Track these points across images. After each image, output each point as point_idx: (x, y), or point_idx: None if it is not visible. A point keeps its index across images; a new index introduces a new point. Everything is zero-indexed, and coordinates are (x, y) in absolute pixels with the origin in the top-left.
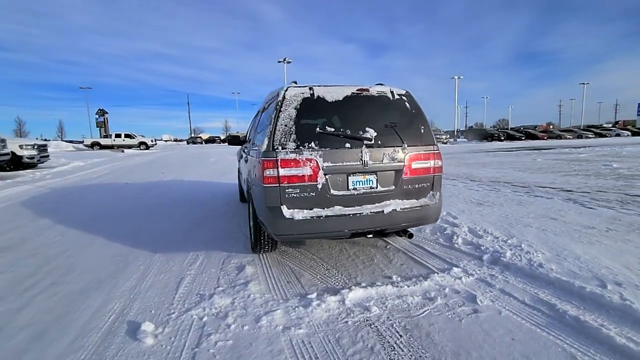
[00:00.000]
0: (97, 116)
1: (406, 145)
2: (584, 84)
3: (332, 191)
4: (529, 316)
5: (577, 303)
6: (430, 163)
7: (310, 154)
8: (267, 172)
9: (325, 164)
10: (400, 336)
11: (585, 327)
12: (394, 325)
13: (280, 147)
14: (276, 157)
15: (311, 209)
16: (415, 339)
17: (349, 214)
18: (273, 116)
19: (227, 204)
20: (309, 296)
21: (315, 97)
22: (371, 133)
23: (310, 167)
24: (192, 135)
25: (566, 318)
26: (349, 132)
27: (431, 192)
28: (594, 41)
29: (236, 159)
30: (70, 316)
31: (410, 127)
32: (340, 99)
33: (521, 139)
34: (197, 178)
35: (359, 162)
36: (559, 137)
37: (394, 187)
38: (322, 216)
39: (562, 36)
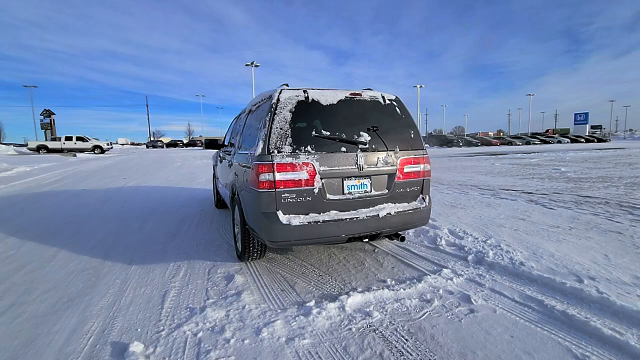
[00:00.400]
0: (42, 117)
1: (398, 150)
2: (530, 95)
3: (328, 195)
4: (521, 313)
5: (560, 298)
6: (420, 167)
7: (307, 158)
8: (263, 177)
9: (322, 168)
10: (406, 340)
11: (574, 320)
12: (398, 329)
13: (276, 151)
14: (272, 161)
15: (307, 214)
16: (421, 342)
17: (346, 219)
18: (267, 119)
19: (201, 210)
20: (307, 304)
21: (309, 100)
22: (365, 137)
23: (307, 172)
24: (152, 138)
25: (555, 313)
26: (344, 136)
27: (421, 195)
28: (536, 57)
29: (203, 164)
30: (41, 340)
31: (400, 131)
32: (335, 102)
33: (477, 145)
34: (164, 184)
35: (354, 166)
36: (510, 143)
37: (387, 191)
38: (319, 221)
39: (509, 51)
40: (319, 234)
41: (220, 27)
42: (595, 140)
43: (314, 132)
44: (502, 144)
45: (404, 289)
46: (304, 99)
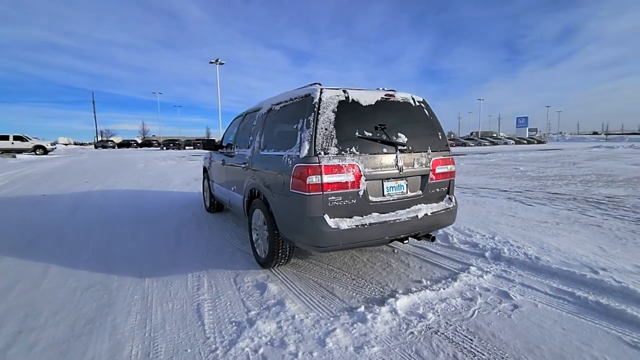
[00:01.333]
0: None
1: (430, 150)
2: (480, 99)
3: (371, 198)
4: (560, 306)
5: (586, 289)
6: (449, 167)
7: (353, 160)
8: (310, 180)
9: (366, 170)
10: (471, 340)
11: (610, 310)
12: (457, 329)
13: (322, 152)
14: (319, 163)
15: (351, 217)
16: (485, 340)
17: (389, 221)
18: (311, 119)
19: (193, 215)
20: (357, 310)
21: (349, 101)
22: (403, 138)
23: (353, 174)
24: (101, 138)
25: (590, 303)
26: (384, 137)
27: (447, 195)
28: (481, 64)
29: (169, 165)
30: None
31: (430, 132)
32: (373, 103)
33: None
34: (134, 187)
35: (394, 168)
36: (463, 144)
37: (420, 192)
38: (365, 224)
39: (457, 58)
40: (366, 237)
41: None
42: (535, 142)
43: (357, 133)
44: (457, 145)
45: (443, 289)
46: (344, 98)
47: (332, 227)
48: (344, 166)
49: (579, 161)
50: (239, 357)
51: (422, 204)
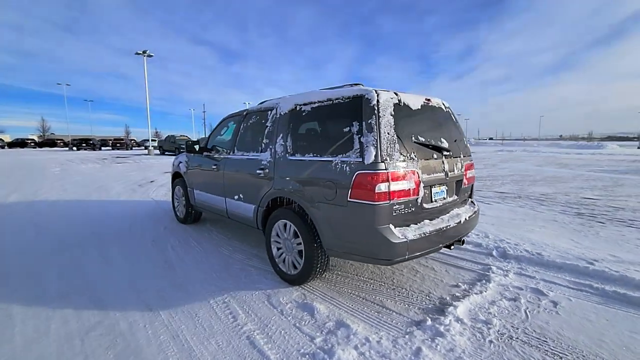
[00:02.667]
0: None
1: (462, 155)
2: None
3: (424, 204)
4: (588, 298)
5: (597, 280)
6: (473, 172)
7: (413, 166)
8: (379, 188)
9: (424, 176)
10: (546, 341)
11: (629, 297)
12: (527, 332)
13: (388, 159)
14: (387, 169)
15: (409, 226)
16: (558, 340)
17: (443, 228)
18: (373, 122)
19: (166, 228)
20: (425, 323)
21: (402, 104)
22: (446, 143)
23: (414, 180)
24: None
25: (609, 293)
26: (433, 142)
27: (470, 199)
28: (400, 74)
29: (94, 169)
30: None
31: (459, 137)
32: (419, 107)
33: None
34: (66, 197)
35: (442, 173)
36: None
37: (456, 196)
38: (427, 233)
39: (380, 66)
40: (427, 246)
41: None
42: None
43: (413, 138)
44: None
45: (484, 291)
46: (397, 102)
47: (400, 237)
48: (407, 173)
49: (495, 163)
50: None
51: (457, 209)
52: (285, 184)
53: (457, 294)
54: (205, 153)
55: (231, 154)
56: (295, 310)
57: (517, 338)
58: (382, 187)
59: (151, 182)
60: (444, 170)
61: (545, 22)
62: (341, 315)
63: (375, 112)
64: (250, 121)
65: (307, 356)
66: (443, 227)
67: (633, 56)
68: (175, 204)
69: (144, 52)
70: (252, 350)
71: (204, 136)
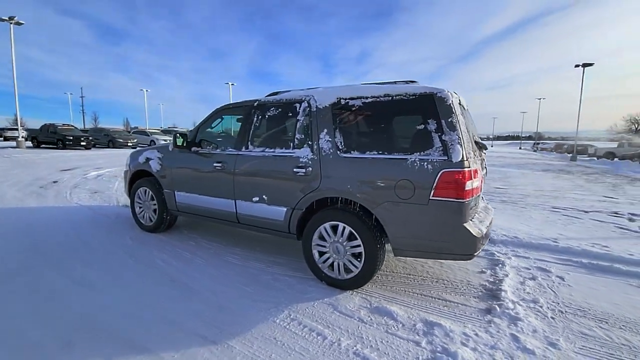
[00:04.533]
0: None
1: (483, 150)
2: None
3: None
4: (576, 270)
5: (568, 255)
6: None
7: (475, 164)
8: (468, 185)
9: (480, 173)
10: (585, 310)
11: (602, 266)
12: (567, 305)
13: (468, 157)
14: (470, 167)
15: (472, 221)
16: (592, 309)
17: (491, 220)
18: (453, 121)
19: (132, 238)
20: (495, 310)
21: (460, 102)
22: (479, 139)
23: (479, 178)
24: None
25: (587, 264)
26: (478, 138)
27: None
28: (304, 72)
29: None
30: None
31: (476, 133)
32: (464, 105)
33: None
34: None
35: (483, 170)
36: None
37: (480, 191)
38: (487, 226)
39: (285, 63)
40: (487, 239)
41: None
42: None
43: (471, 136)
44: None
45: (508, 275)
46: (459, 100)
47: (479, 232)
48: (477, 170)
49: None
50: None
51: (481, 202)
52: (340, 184)
53: (491, 279)
54: (194, 149)
55: (244, 150)
56: (373, 316)
57: (566, 311)
58: (469, 184)
59: (54, 182)
60: (482, 166)
61: (424, 36)
62: (419, 314)
63: (454, 110)
64: (268, 114)
65: (435, 354)
66: (491, 220)
67: (484, 73)
68: (137, 210)
69: (11, 18)
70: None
71: (135, 126)
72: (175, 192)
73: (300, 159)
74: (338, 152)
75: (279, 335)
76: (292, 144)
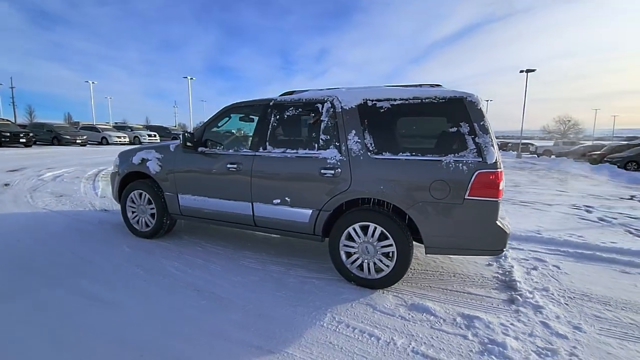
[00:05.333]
0: None
1: None
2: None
3: None
4: (566, 258)
5: (555, 245)
6: None
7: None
8: (501, 185)
9: None
10: (589, 295)
11: (586, 255)
12: (573, 291)
13: (499, 158)
14: (501, 168)
15: None
16: (593, 294)
17: (507, 220)
18: (485, 124)
19: (130, 247)
20: (518, 301)
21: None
22: None
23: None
24: None
25: (573, 253)
26: None
27: None
28: (264, 68)
29: None
30: None
31: None
32: None
33: None
34: None
35: None
36: None
37: None
38: (509, 226)
39: (244, 58)
40: None
41: None
42: None
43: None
44: None
45: (514, 266)
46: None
47: (508, 228)
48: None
49: None
50: None
51: None
52: (373, 185)
53: (500, 271)
54: (201, 149)
55: (261, 150)
56: (412, 313)
57: (574, 297)
58: (501, 184)
59: (5, 185)
60: None
61: (380, 37)
62: (454, 308)
63: (484, 114)
64: (287, 114)
65: (485, 353)
66: (506, 217)
67: (436, 74)
68: (130, 215)
69: None
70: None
71: (76, 121)
72: (179, 195)
73: (328, 160)
74: (369, 153)
75: (333, 339)
76: (316, 145)
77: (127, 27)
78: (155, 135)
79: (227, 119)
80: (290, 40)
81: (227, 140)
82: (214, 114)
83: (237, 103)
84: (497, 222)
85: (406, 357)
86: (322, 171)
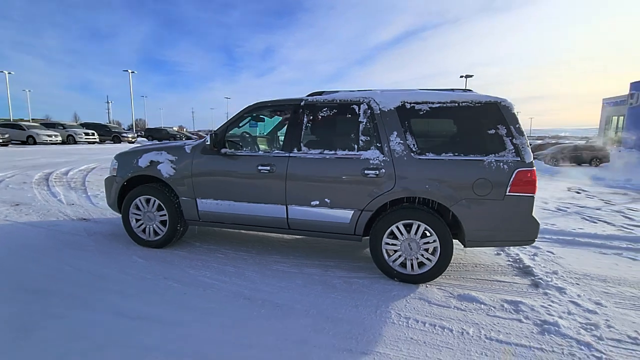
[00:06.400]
0: None
1: None
2: (228, 98)
3: None
4: (562, 245)
5: (549, 234)
6: None
7: None
8: (537, 182)
9: None
10: (589, 276)
11: (578, 241)
12: (577, 274)
13: (533, 158)
14: (535, 167)
15: None
16: (595, 275)
17: None
18: (520, 127)
19: (142, 258)
20: (542, 284)
21: None
22: None
23: None
24: None
25: (569, 240)
26: None
27: None
28: (205, 63)
29: None
30: None
31: None
32: None
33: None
34: None
35: None
36: None
37: None
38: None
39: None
40: None
41: None
42: None
43: None
44: None
45: (519, 254)
46: None
47: (539, 220)
48: None
49: None
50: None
51: None
52: (418, 184)
53: (511, 259)
54: (224, 150)
55: (296, 152)
56: (464, 303)
57: (579, 277)
58: (536, 181)
59: None
60: None
61: (325, 38)
62: (495, 296)
63: (518, 118)
64: (321, 114)
65: (545, 333)
66: None
67: (378, 76)
68: (135, 224)
69: None
70: (511, 347)
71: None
72: (198, 200)
73: (371, 161)
74: (412, 154)
75: (412, 334)
76: (356, 146)
77: (42, 11)
78: (93, 134)
79: (249, 119)
80: (234, 35)
81: (249, 141)
82: (235, 113)
83: (260, 102)
84: (532, 215)
85: (484, 345)
86: (365, 172)
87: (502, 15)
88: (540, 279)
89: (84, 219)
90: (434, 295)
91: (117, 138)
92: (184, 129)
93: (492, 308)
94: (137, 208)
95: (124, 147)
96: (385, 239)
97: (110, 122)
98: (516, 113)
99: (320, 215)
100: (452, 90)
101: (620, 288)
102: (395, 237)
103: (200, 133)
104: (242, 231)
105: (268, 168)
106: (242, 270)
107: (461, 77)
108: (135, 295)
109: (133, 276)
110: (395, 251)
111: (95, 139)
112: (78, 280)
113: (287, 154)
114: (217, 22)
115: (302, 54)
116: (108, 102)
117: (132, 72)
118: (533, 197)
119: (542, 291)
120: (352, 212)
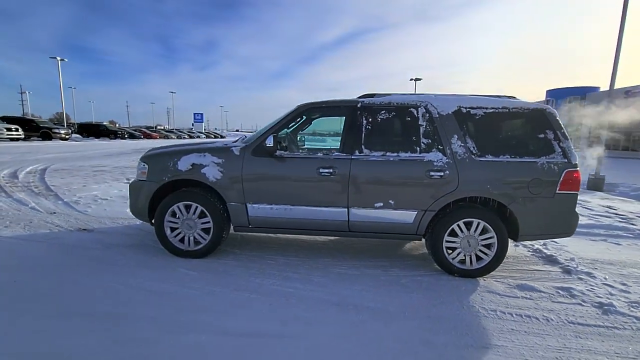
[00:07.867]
0: None
1: None
2: (172, 92)
3: None
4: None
5: None
6: None
7: None
8: (580, 181)
9: None
10: (597, 261)
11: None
12: (589, 259)
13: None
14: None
15: None
16: (598, 260)
17: None
18: (565, 132)
19: (191, 269)
20: (572, 271)
21: None
22: None
23: None
24: None
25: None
26: None
27: None
28: (138, 53)
29: None
30: None
31: None
32: None
33: (140, 138)
34: None
35: None
36: (166, 137)
37: None
38: None
39: (113, 40)
40: None
41: None
42: (219, 136)
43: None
44: (160, 137)
45: (533, 246)
46: None
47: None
48: None
49: None
50: None
51: None
52: (480, 184)
53: (531, 250)
54: (279, 152)
55: (357, 154)
56: (527, 293)
57: (594, 263)
58: (580, 180)
59: None
60: None
61: (270, 34)
62: (545, 284)
63: (562, 124)
64: (380, 117)
65: (608, 313)
66: None
67: (325, 75)
68: (170, 233)
69: None
70: (592, 328)
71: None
72: (248, 205)
73: (434, 163)
74: (472, 156)
75: (510, 326)
76: (418, 148)
77: None
78: (17, 130)
79: (300, 120)
80: (171, 26)
81: (300, 143)
82: (284, 114)
83: (312, 103)
84: (575, 210)
85: (569, 328)
86: (429, 173)
87: (434, 23)
88: (568, 266)
89: (85, 230)
90: (497, 288)
91: (46, 134)
92: (117, 124)
93: (552, 295)
94: (174, 215)
95: (57, 144)
96: (446, 237)
97: (24, 115)
98: (560, 119)
99: (383, 216)
100: (498, 97)
101: (627, 270)
102: (455, 235)
103: (160, 129)
104: (270, 234)
105: (330, 170)
106: (308, 277)
107: (411, 79)
108: (217, 310)
109: (200, 290)
110: (455, 248)
111: (19, 135)
112: (146, 300)
113: (348, 156)
114: (151, 10)
115: (246, 49)
116: (22, 93)
117: (61, 60)
118: (577, 194)
119: (575, 277)
120: (416, 212)
